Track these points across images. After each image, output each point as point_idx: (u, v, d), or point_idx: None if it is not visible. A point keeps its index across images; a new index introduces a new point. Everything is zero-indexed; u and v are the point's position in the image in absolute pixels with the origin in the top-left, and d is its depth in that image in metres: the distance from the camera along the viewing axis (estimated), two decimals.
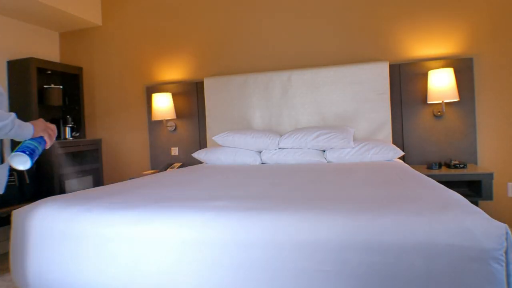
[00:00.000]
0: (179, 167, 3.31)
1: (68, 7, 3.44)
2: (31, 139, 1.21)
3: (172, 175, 2.24)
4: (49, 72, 3.60)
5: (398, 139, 2.94)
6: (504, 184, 2.77)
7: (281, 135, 2.85)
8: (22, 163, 1.15)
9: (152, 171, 3.47)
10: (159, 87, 3.61)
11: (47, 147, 1.28)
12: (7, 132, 1.15)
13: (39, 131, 1.27)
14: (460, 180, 2.56)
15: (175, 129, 3.58)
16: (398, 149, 2.54)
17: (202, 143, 3.49)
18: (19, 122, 1.19)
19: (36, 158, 1.19)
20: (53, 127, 1.32)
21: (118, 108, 3.83)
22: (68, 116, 3.70)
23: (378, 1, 3.03)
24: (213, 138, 2.99)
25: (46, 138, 1.25)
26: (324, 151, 2.69)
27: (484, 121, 2.80)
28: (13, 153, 1.14)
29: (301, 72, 3.08)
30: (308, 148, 2.68)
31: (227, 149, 2.88)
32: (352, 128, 2.86)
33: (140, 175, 3.40)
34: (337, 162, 2.58)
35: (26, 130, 1.21)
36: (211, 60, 3.51)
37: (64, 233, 1.32)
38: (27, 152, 1.14)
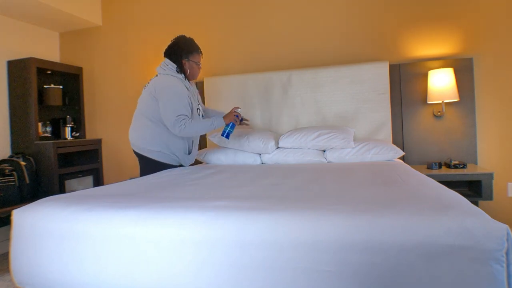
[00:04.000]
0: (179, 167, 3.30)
1: (68, 7, 3.44)
2: (226, 125, 2.29)
3: (172, 175, 2.24)
4: (49, 72, 3.60)
5: (398, 139, 2.94)
6: (504, 184, 2.78)
7: (280, 135, 2.85)
8: (223, 140, 2.50)
9: None
10: None
11: (237, 124, 2.35)
12: (211, 130, 2.29)
13: (228, 120, 2.29)
14: (460, 180, 2.57)
15: None
16: (398, 149, 2.54)
17: (202, 143, 3.49)
18: (216, 123, 2.26)
19: (230, 133, 2.30)
20: (235, 113, 2.32)
21: (118, 108, 3.83)
22: (68, 116, 3.70)
23: (378, 1, 3.03)
24: (209, 137, 2.99)
25: (233, 121, 2.29)
26: (325, 151, 2.69)
27: (484, 121, 2.80)
28: (219, 135, 2.37)
29: (301, 72, 3.08)
30: (308, 148, 2.68)
31: (227, 149, 2.87)
32: (353, 128, 2.86)
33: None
34: (338, 162, 2.58)
35: (220, 124, 2.28)
36: (211, 60, 3.51)
37: (64, 232, 1.32)
38: (224, 135, 2.29)
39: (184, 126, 2.20)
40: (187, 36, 2.47)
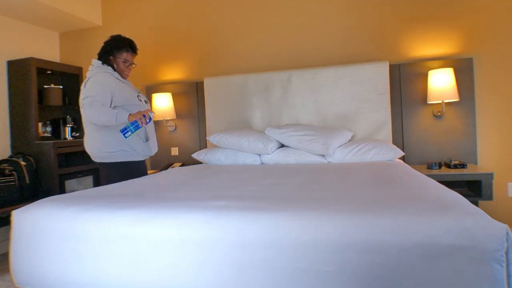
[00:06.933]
0: (179, 167, 3.30)
1: (68, 7, 3.44)
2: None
3: (172, 175, 2.24)
4: (49, 72, 3.60)
5: (398, 139, 2.94)
6: (504, 184, 2.77)
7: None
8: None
9: (152, 171, 3.47)
10: (159, 87, 3.61)
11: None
12: (112, 124, 2.06)
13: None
14: (460, 180, 2.57)
15: (175, 129, 3.58)
16: (398, 149, 2.54)
17: (202, 143, 3.49)
18: (120, 116, 2.04)
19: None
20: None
21: None
22: (68, 116, 3.70)
23: (378, 1, 3.03)
24: (207, 138, 2.99)
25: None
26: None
27: (484, 121, 2.80)
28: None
29: (301, 72, 3.08)
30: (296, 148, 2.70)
31: (227, 150, 2.87)
32: (350, 132, 2.83)
33: None
34: (338, 162, 2.58)
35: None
36: (211, 60, 3.51)
37: (64, 232, 1.32)
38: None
39: (89, 104, 2.08)
40: (123, 35, 2.41)
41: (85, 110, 2.10)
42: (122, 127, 2.08)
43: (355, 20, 3.09)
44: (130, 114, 2.08)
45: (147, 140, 2.33)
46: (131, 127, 2.05)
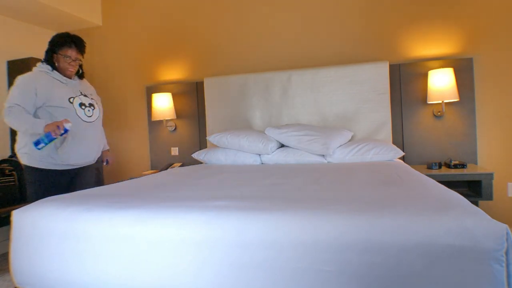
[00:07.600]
0: (179, 167, 3.30)
1: (68, 7, 3.44)
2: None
3: (172, 175, 2.24)
4: None
5: (398, 139, 2.94)
6: (504, 184, 2.78)
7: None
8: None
9: (152, 171, 3.47)
10: (159, 87, 3.61)
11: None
12: (29, 133, 1.99)
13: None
14: (460, 180, 2.57)
15: (175, 129, 3.58)
16: (398, 149, 2.54)
17: (202, 143, 3.49)
18: (36, 126, 1.96)
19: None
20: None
21: (118, 108, 3.83)
22: None
23: (378, 1, 3.03)
24: (207, 138, 2.99)
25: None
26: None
27: (484, 121, 2.80)
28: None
29: (301, 72, 3.08)
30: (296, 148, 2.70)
31: (227, 150, 2.87)
32: (350, 132, 2.83)
33: (140, 175, 3.40)
34: (337, 162, 2.58)
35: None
36: (211, 60, 3.51)
37: (64, 232, 1.32)
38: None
39: (8, 113, 1.98)
40: (72, 33, 2.25)
41: (4, 116, 1.99)
42: (36, 138, 1.92)
43: (355, 20, 3.09)
44: (46, 124, 1.94)
45: (58, 147, 2.07)
46: (44, 139, 1.90)
